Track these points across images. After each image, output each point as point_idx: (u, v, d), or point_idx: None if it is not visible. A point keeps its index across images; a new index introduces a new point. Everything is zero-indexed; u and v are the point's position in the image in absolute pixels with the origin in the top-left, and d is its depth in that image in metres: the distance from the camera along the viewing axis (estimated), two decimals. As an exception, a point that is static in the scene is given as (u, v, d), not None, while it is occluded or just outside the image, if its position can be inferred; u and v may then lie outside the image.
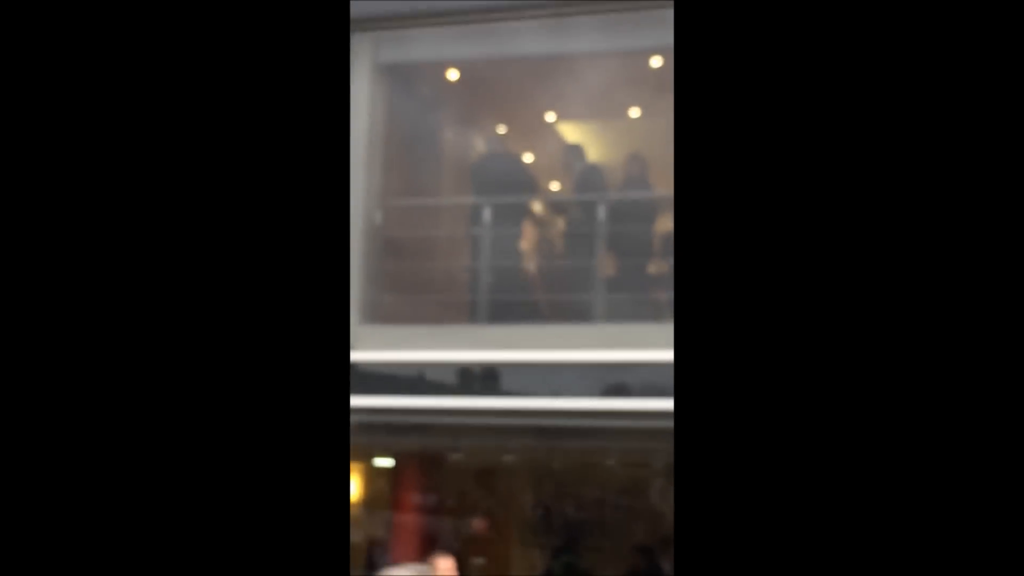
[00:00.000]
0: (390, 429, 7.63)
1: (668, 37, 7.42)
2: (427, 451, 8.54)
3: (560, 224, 8.54)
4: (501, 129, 9.06)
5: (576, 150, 8.64)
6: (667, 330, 7.24)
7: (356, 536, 8.06)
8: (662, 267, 8.22)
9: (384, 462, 8.74)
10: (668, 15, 7.16)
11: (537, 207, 8.88)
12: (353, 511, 8.09)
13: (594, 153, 8.82)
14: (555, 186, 9.26)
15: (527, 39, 7.78)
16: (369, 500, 8.88)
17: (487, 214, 7.93)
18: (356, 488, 8.64)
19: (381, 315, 7.82)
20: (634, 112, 9.23)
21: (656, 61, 8.23)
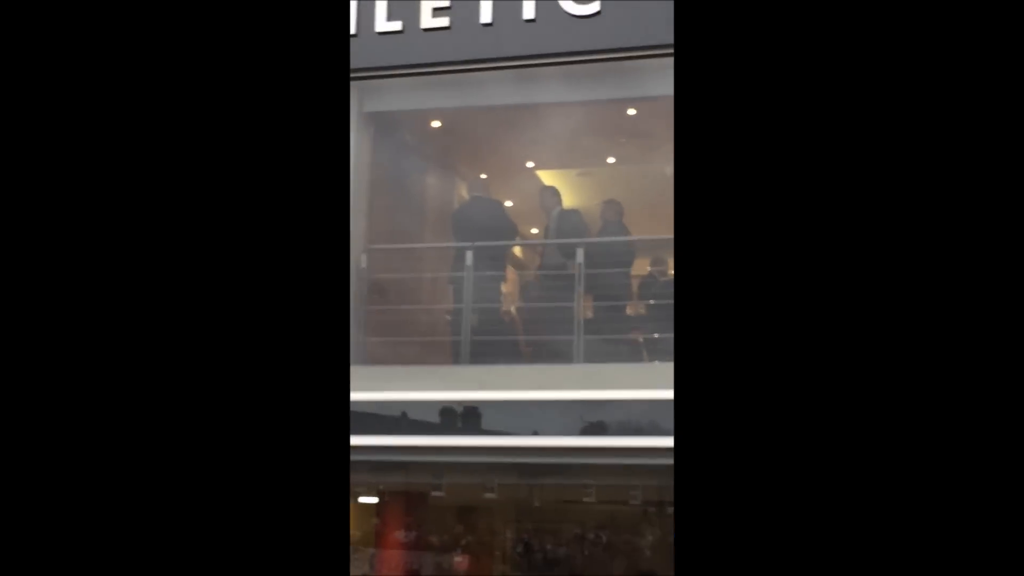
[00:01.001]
0: (374, 467, 7.74)
1: (641, 88, 7.71)
2: (410, 489, 8.63)
3: (539, 267, 8.71)
4: (482, 176, 9.26)
5: (555, 196, 8.86)
6: (644, 370, 7.44)
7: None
8: (638, 309, 8.41)
9: (368, 500, 8.84)
10: (640, 66, 7.43)
11: (518, 251, 9.06)
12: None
13: (572, 199, 9.01)
14: (535, 231, 9.44)
15: (507, 90, 8.00)
16: (353, 537, 8.97)
17: (469, 258, 8.12)
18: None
19: (366, 356, 7.98)
20: (610, 159, 9.46)
21: (631, 111, 8.48)
